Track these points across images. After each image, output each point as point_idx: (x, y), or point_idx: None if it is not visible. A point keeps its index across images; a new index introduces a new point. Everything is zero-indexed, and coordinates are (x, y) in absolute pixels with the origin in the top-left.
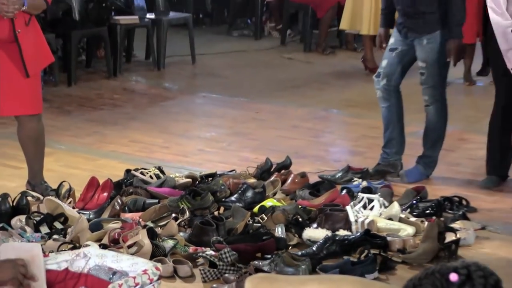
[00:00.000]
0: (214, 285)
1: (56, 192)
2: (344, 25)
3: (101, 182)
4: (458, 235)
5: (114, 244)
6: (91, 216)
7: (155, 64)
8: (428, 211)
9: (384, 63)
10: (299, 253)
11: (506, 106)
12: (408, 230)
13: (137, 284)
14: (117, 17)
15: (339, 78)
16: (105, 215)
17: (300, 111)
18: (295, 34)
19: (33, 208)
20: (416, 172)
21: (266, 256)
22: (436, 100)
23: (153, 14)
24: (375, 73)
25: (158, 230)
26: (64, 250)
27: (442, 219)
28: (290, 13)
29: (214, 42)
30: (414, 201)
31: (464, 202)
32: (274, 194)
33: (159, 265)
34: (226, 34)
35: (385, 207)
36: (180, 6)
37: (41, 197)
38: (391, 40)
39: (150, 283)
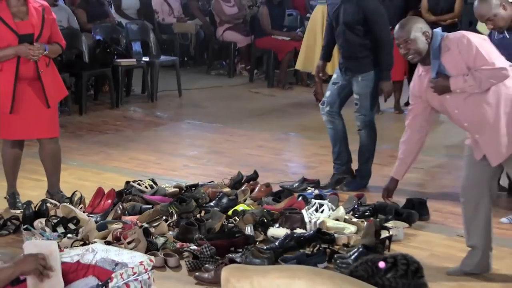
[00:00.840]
0: (197, 273)
1: (70, 200)
2: (299, 66)
3: (106, 191)
4: (390, 232)
5: (116, 241)
6: (98, 219)
7: (149, 97)
8: (367, 213)
9: (327, 93)
10: (265, 247)
11: None
12: (351, 228)
13: (135, 273)
14: (118, 60)
15: (295, 108)
16: (109, 218)
17: (265, 134)
18: (260, 73)
19: (51, 212)
20: (354, 182)
21: (238, 250)
22: (367, 125)
23: (148, 57)
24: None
25: (152, 229)
26: (76, 246)
27: (378, 219)
28: (256, 57)
29: (196, 80)
30: (356, 206)
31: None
32: (245, 200)
33: (152, 257)
34: (205, 73)
35: (333, 210)
36: (169, 51)
37: (58, 204)
38: (334, 75)
39: (145, 272)
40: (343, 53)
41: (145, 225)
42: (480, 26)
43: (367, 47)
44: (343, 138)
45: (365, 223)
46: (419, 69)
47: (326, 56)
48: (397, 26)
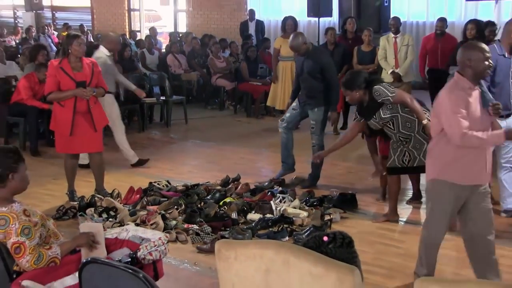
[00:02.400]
0: (198, 245)
1: (111, 195)
2: (269, 102)
3: (135, 189)
4: (331, 216)
5: (142, 223)
6: (130, 208)
7: (165, 124)
8: (315, 203)
9: (287, 114)
10: (245, 227)
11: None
12: (304, 214)
13: (155, 245)
14: (144, 99)
15: (266, 132)
16: (138, 207)
17: (245, 149)
18: (241, 107)
19: (98, 204)
20: (307, 182)
21: (227, 229)
22: (318, 144)
23: (164, 97)
24: None
25: (167, 215)
26: (115, 227)
27: (322, 207)
28: (239, 96)
29: (197, 112)
30: (307, 198)
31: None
32: (231, 195)
33: (167, 234)
34: (204, 108)
35: (291, 201)
36: (178, 92)
37: (103, 198)
38: (294, 104)
39: (163, 244)
40: (306, 93)
41: (162, 212)
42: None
43: (322, 89)
44: (291, 146)
45: (314, 210)
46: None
47: (294, 96)
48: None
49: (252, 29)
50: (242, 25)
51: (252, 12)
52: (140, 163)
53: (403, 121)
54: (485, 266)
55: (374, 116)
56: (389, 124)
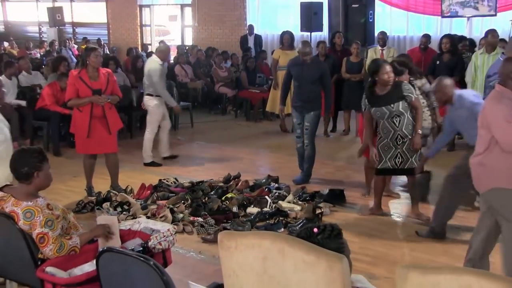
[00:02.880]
0: (203, 236)
1: (125, 191)
2: (268, 108)
3: (146, 185)
4: (322, 210)
5: (153, 216)
6: (141, 202)
7: (173, 127)
8: (307, 198)
9: (298, 131)
10: (245, 220)
11: None
12: (298, 207)
13: (164, 236)
14: None
15: (263, 134)
16: (149, 202)
17: (244, 150)
18: (241, 112)
19: (113, 198)
20: (300, 178)
21: (228, 221)
22: (311, 143)
23: None
24: (284, 132)
25: (175, 209)
26: (128, 220)
27: (314, 202)
28: (239, 102)
29: (202, 117)
30: (300, 193)
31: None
32: (232, 191)
33: (175, 226)
34: (208, 113)
35: (286, 196)
36: (185, 99)
37: (117, 193)
38: (294, 119)
39: (171, 235)
40: (304, 98)
41: (171, 206)
42: None
43: (318, 94)
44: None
45: (306, 204)
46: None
47: (283, 101)
48: None
49: (251, 42)
50: (242, 38)
51: (251, 27)
52: (172, 157)
53: (408, 122)
54: None
55: (392, 105)
56: (395, 119)
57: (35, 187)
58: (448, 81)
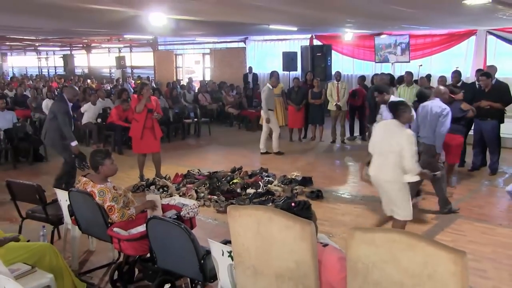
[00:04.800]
0: (217, 208)
1: (164, 178)
2: (260, 122)
3: (179, 174)
4: (297, 191)
5: (183, 195)
6: (176, 186)
7: (197, 135)
8: (287, 183)
9: None
10: (245, 198)
11: None
12: (280, 189)
13: (191, 208)
14: (184, 120)
15: (258, 140)
16: (181, 185)
17: (245, 150)
18: (243, 125)
19: (157, 183)
20: None
21: (234, 198)
22: None
23: (196, 118)
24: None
25: (198, 190)
26: (167, 197)
27: (292, 185)
28: (241, 118)
29: (217, 128)
30: (283, 180)
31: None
32: (237, 177)
33: (199, 202)
34: (220, 126)
35: (273, 181)
36: (205, 116)
37: (160, 180)
38: None
39: (195, 208)
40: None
41: (196, 188)
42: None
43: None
44: None
45: (286, 187)
46: None
47: None
48: None
49: (250, 78)
50: (244, 76)
51: (250, 68)
52: (279, 153)
53: None
54: None
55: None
56: None
57: (103, 175)
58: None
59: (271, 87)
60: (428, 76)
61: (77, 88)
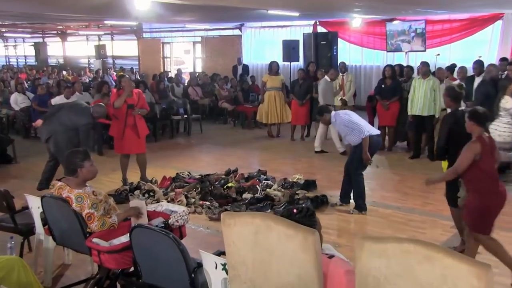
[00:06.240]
0: (209, 215)
1: (150, 181)
2: (257, 118)
3: (167, 177)
4: (299, 196)
5: (172, 201)
6: (163, 190)
7: (187, 134)
8: (288, 187)
9: None
10: (241, 203)
11: None
12: (280, 194)
13: (181, 215)
14: (173, 117)
15: (255, 139)
16: (169, 190)
17: (241, 151)
18: (238, 122)
19: (142, 187)
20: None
21: (228, 204)
22: None
23: (186, 115)
24: (271, 137)
25: (188, 195)
26: (153, 203)
27: (293, 189)
28: (236, 114)
29: (209, 126)
30: (283, 183)
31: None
32: (231, 181)
33: (189, 208)
34: (213, 123)
35: (272, 185)
36: (196, 112)
37: (145, 183)
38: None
39: (185, 215)
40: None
41: (185, 193)
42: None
43: None
44: None
45: (286, 191)
46: None
47: None
48: None
49: (239, 71)
50: (233, 68)
51: (239, 59)
52: (322, 151)
53: None
54: None
55: None
56: None
57: (82, 179)
58: None
59: (328, 80)
60: (452, 67)
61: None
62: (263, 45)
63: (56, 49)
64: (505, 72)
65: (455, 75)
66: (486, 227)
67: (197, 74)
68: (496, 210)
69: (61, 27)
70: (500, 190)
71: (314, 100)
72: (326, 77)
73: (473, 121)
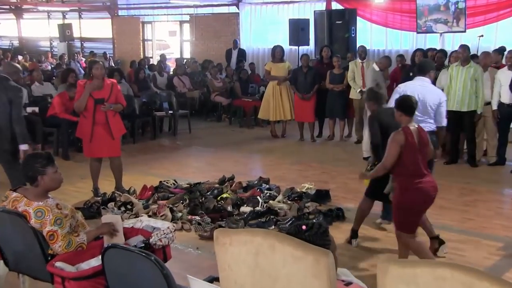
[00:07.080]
0: (200, 233)
1: (128, 192)
2: (259, 115)
3: (148, 186)
4: (309, 210)
5: (154, 215)
6: (143, 202)
7: (173, 133)
8: (296, 198)
9: None
10: (238, 218)
11: None
12: (286, 207)
13: (164, 233)
14: (155, 113)
15: (256, 139)
16: (150, 202)
17: (238, 154)
18: (235, 119)
19: (118, 199)
20: None
21: (223, 219)
22: None
23: (171, 111)
24: (275, 137)
25: (174, 208)
26: (131, 218)
27: (302, 201)
28: (233, 110)
29: (199, 123)
30: (290, 194)
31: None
32: (227, 191)
33: (174, 224)
34: (204, 120)
35: (276, 196)
36: (183, 107)
37: (121, 194)
38: None
39: (171, 232)
40: None
41: (170, 206)
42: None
43: None
44: None
45: (293, 203)
46: None
47: None
48: None
49: (234, 56)
50: (227, 52)
51: (235, 42)
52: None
53: None
54: None
55: None
56: None
57: (43, 189)
58: None
59: (377, 69)
60: (501, 50)
61: (17, 65)
62: (265, 25)
63: (9, 29)
64: None
65: (503, 61)
66: (409, 225)
67: (185, 60)
68: (419, 208)
69: (15, 1)
70: (422, 186)
71: (329, 93)
72: (374, 65)
73: (400, 110)
